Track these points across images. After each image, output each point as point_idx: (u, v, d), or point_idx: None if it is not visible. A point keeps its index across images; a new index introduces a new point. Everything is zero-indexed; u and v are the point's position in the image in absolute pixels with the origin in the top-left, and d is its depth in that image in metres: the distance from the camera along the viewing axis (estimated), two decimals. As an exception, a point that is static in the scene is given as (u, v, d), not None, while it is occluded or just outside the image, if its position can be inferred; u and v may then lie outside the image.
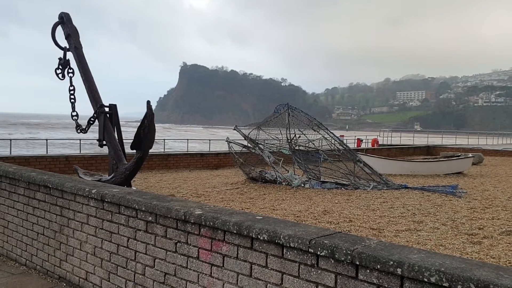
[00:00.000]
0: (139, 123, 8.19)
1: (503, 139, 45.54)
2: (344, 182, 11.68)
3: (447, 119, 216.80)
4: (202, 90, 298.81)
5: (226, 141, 12.68)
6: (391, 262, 2.50)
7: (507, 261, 5.25)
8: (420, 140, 37.57)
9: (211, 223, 3.41)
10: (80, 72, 9.71)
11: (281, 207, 8.43)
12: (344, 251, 2.68)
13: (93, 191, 4.52)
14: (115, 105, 9.59)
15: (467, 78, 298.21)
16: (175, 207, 3.73)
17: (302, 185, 11.42)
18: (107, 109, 9.41)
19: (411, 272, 2.43)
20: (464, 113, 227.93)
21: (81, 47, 9.96)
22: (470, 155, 16.45)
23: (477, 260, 5.22)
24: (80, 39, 10.03)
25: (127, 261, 4.21)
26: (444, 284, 2.32)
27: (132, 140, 8.15)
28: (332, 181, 11.80)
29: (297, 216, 7.59)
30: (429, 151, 25.98)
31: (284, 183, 11.51)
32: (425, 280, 2.38)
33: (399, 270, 2.47)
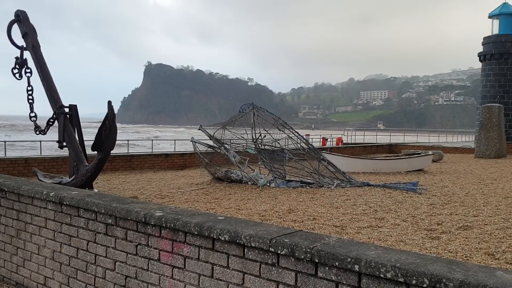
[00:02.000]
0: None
1: (462, 136, 47.08)
2: (309, 181, 11.80)
3: (409, 117, 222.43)
4: (168, 90, 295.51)
5: (191, 141, 12.60)
6: (349, 259, 2.55)
7: (464, 255, 5.43)
8: (383, 138, 38.42)
9: (172, 225, 3.38)
10: (38, 72, 9.44)
11: (246, 207, 8.44)
12: (304, 249, 2.71)
13: (51, 194, 4.40)
14: (75, 106, 9.37)
15: (428, 78, 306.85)
16: (135, 209, 3.68)
17: (268, 184, 11.47)
18: (67, 110, 9.19)
19: (368, 268, 2.48)
20: (425, 111, 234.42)
21: (39, 46, 9.67)
22: (430, 153, 16.94)
23: (435, 255, 5.38)
24: (38, 38, 9.74)
25: (87, 264, 4.12)
26: (400, 280, 2.38)
27: (93, 141, 7.98)
28: (297, 179, 11.91)
29: (262, 216, 7.62)
30: (391, 149, 26.59)
31: (250, 183, 11.54)
32: (382, 276, 2.44)
33: (356, 267, 2.52)
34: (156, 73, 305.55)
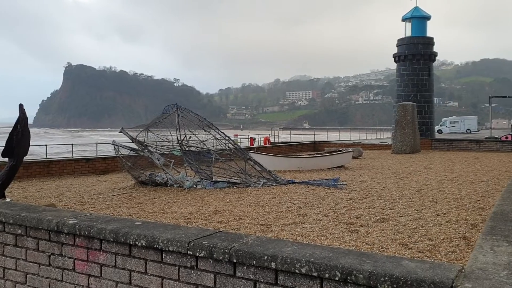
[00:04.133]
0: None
1: (381, 133, 49.69)
2: (235, 181, 11.85)
3: (332, 116, 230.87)
4: (89, 91, 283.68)
5: (112, 144, 12.17)
6: (266, 257, 2.58)
7: (380, 246, 5.71)
8: (308, 137, 39.49)
9: (87, 232, 3.24)
10: None
11: (171, 210, 8.30)
12: (222, 250, 2.71)
13: (-49, 205, 4.05)
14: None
15: (348, 78, 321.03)
16: (47, 218, 3.49)
17: (194, 186, 11.37)
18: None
19: (284, 265, 2.53)
20: (347, 110, 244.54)
21: None
22: (350, 150, 17.69)
23: (353, 247, 5.62)
24: None
25: (-6, 280, 3.84)
26: (314, 274, 2.45)
27: (3, 147, 7.46)
28: (225, 180, 11.91)
29: (188, 218, 7.54)
30: (315, 147, 27.43)
31: (175, 185, 11.36)
32: (297, 271, 2.49)
33: (273, 264, 2.56)
34: (77, 74, 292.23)
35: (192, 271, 2.85)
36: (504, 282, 2.14)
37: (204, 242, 2.79)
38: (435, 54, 33.51)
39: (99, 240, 3.22)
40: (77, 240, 3.35)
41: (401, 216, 7.51)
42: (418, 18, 34.56)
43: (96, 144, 21.96)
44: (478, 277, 2.21)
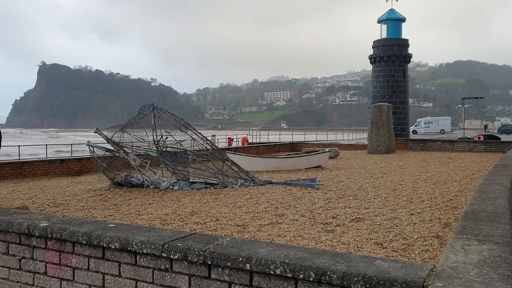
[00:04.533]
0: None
1: (357, 134, 50.27)
2: (213, 181, 11.80)
3: (309, 117, 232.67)
4: (64, 91, 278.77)
5: (87, 145, 11.98)
6: (241, 259, 2.58)
7: (356, 246, 5.77)
8: (286, 137, 39.69)
9: (59, 235, 3.18)
10: None
11: (147, 212, 8.22)
12: (197, 252, 2.69)
13: None
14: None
15: (325, 79, 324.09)
16: (17, 221, 3.41)
17: (171, 187, 11.28)
18: None
19: (259, 266, 2.53)
20: (324, 111, 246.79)
21: None
22: (327, 150, 17.83)
23: (329, 247, 5.66)
24: None
25: (-38, 285, 3.73)
26: (288, 275, 2.46)
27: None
28: (202, 181, 11.85)
29: (164, 220, 7.47)
30: (293, 147, 27.56)
31: (152, 187, 11.25)
32: (271, 272, 2.50)
33: (248, 266, 2.55)
34: (52, 74, 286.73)
35: (167, 274, 2.82)
36: (474, 281, 2.19)
37: (178, 244, 2.77)
38: (410, 56, 34.09)
39: (71, 243, 3.17)
40: (49, 243, 3.28)
41: (376, 216, 7.60)
42: (393, 20, 35.11)
43: (71, 144, 21.59)
44: (449, 276, 2.25)
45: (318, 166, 16.30)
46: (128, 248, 2.90)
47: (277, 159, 16.72)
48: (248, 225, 7.03)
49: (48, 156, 18.44)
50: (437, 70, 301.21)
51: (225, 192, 10.68)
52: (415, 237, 6.19)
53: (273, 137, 41.17)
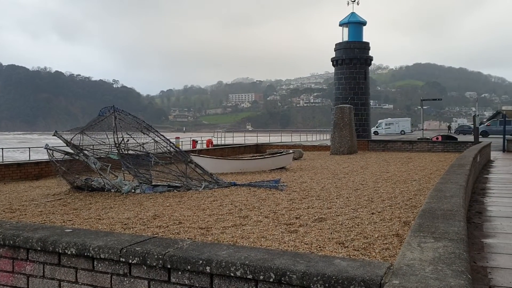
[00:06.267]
0: None
1: (321, 135, 50.94)
2: (176, 184, 11.67)
3: (274, 118, 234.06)
4: (22, 93, 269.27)
5: (45, 148, 11.62)
6: (201, 262, 2.55)
7: (318, 246, 5.83)
8: (251, 139, 39.79)
9: (12, 242, 3.07)
10: None
11: (108, 216, 8.04)
12: (156, 256, 2.65)
13: None
14: None
15: (290, 81, 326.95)
16: (-33, 228, 3.26)
17: (133, 190, 11.09)
18: None
19: (219, 268, 2.51)
20: (289, 113, 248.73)
21: None
22: (291, 151, 17.99)
23: (292, 248, 5.70)
24: None
25: None
26: (248, 277, 2.46)
27: None
28: (165, 184, 11.71)
29: (125, 224, 7.32)
30: (258, 149, 27.65)
31: (113, 190, 11.03)
32: (232, 275, 2.49)
33: (208, 268, 2.53)
34: (8, 75, 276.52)
35: (125, 279, 2.76)
36: (429, 277, 2.24)
37: (137, 249, 2.72)
38: (371, 58, 34.84)
39: (25, 249, 3.06)
40: (1, 250, 3.15)
41: (338, 216, 7.71)
42: (355, 24, 35.81)
43: (29, 148, 20.88)
44: (405, 273, 2.30)
45: (282, 168, 16.41)
46: (85, 254, 2.82)
47: (242, 161, 16.72)
48: (211, 227, 6.99)
49: (4, 160, 17.77)
50: (397, 73, 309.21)
51: (189, 194, 10.59)
52: (376, 235, 6.32)
53: (238, 139, 41.19)
